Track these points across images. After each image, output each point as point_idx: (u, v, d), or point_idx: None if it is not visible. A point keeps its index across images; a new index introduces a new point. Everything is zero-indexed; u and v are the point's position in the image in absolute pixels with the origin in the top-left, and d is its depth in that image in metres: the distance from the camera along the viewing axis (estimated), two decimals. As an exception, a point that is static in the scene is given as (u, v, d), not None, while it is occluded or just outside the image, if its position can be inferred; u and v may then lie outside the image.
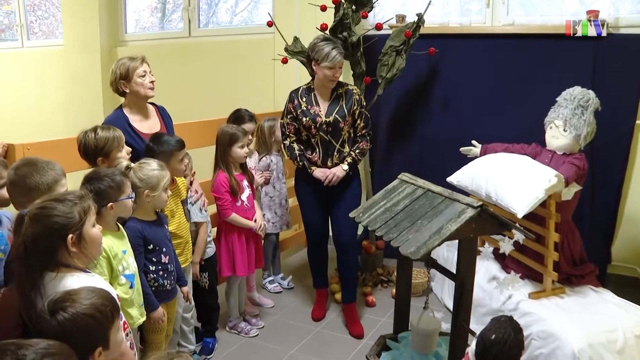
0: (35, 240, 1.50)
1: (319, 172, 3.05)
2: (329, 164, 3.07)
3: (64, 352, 1.23)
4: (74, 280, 1.54)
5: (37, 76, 6.08)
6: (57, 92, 5.83)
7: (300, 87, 3.14)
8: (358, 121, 3.09)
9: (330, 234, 3.25)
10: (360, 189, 3.19)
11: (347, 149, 3.09)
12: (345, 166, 3.05)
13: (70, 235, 1.54)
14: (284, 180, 3.55)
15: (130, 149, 2.34)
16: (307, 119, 3.01)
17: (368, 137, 3.13)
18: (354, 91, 3.09)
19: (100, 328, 1.36)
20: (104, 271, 1.91)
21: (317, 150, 3.06)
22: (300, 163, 3.08)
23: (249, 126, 3.24)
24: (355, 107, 3.05)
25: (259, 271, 3.62)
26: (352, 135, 3.11)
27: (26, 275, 1.50)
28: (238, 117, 3.26)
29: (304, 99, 3.05)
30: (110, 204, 1.94)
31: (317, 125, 3.01)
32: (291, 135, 3.11)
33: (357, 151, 3.09)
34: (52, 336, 1.29)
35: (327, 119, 3.00)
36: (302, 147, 3.10)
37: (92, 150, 2.21)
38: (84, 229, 1.58)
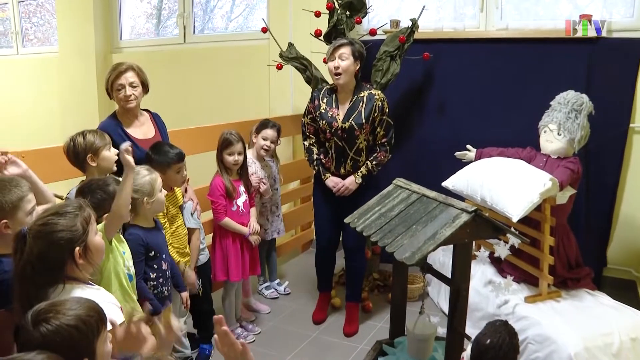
0: (42, 257, 1.49)
1: (330, 182, 3.01)
2: (342, 171, 3.01)
3: None
4: (81, 294, 1.52)
5: (33, 83, 6.08)
6: (53, 99, 5.83)
7: (324, 87, 3.08)
8: (378, 129, 2.96)
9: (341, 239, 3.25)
10: None
11: (363, 158, 2.99)
12: (358, 179, 2.98)
13: (77, 248, 1.54)
14: (276, 186, 3.51)
15: (117, 151, 2.34)
16: (324, 122, 2.95)
17: (387, 147, 3.01)
18: (377, 96, 2.94)
19: (85, 339, 1.31)
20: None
21: (330, 155, 3.01)
22: (316, 168, 3.05)
23: (269, 132, 3.26)
24: (376, 114, 2.92)
25: (254, 277, 3.62)
26: (370, 143, 3.00)
27: (33, 294, 1.47)
28: (262, 124, 3.30)
29: (325, 100, 2.99)
30: (106, 214, 1.93)
31: (332, 130, 2.94)
32: (311, 136, 3.07)
33: (374, 162, 2.98)
34: (35, 348, 1.25)
35: (343, 125, 2.91)
36: (320, 151, 3.05)
37: (82, 150, 2.20)
38: (88, 239, 1.58)
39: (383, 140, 3.00)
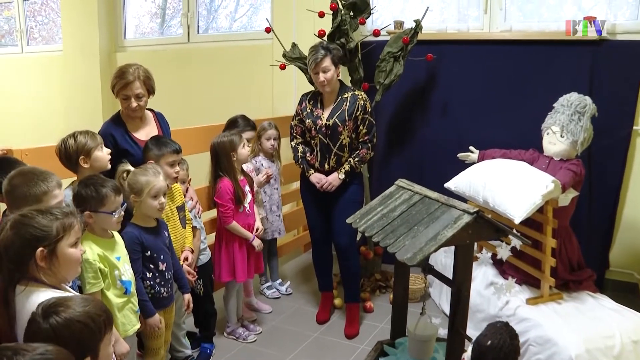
0: (7, 248, 1.47)
1: (314, 178, 3.12)
2: (326, 166, 3.10)
3: (63, 358, 1.22)
4: (40, 297, 1.45)
5: (37, 81, 6.09)
6: (57, 98, 5.85)
7: (311, 91, 3.21)
8: (360, 127, 3.06)
9: None
10: (359, 195, 3.19)
11: (346, 155, 3.09)
12: (341, 175, 3.07)
13: (41, 249, 1.48)
14: (276, 186, 3.52)
15: (109, 150, 2.34)
16: (309, 120, 3.08)
17: (370, 145, 3.10)
18: (359, 97, 3.05)
19: (92, 337, 1.34)
20: (97, 275, 1.92)
21: (315, 152, 3.11)
22: (301, 166, 3.16)
23: (249, 134, 3.25)
24: (358, 113, 3.02)
25: (256, 277, 3.62)
26: (353, 140, 3.09)
27: (2, 281, 1.47)
28: (230, 124, 3.27)
29: (311, 102, 3.13)
30: (87, 212, 1.94)
31: (317, 128, 3.05)
32: (297, 137, 3.20)
33: (356, 159, 3.07)
34: (44, 340, 1.28)
35: (327, 122, 3.03)
36: (305, 150, 3.17)
37: (73, 152, 2.19)
38: (59, 246, 1.52)
39: (365, 137, 3.09)
